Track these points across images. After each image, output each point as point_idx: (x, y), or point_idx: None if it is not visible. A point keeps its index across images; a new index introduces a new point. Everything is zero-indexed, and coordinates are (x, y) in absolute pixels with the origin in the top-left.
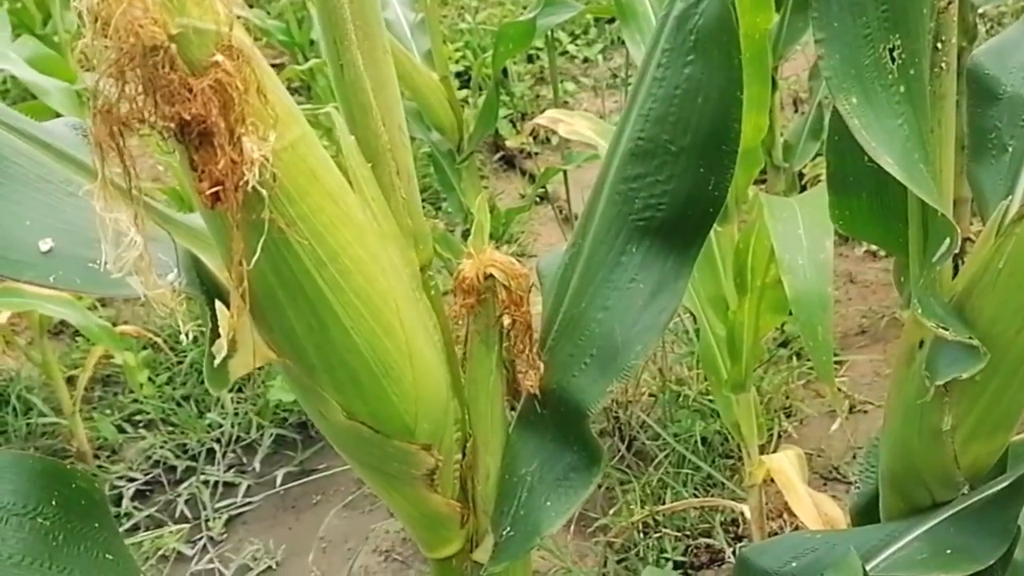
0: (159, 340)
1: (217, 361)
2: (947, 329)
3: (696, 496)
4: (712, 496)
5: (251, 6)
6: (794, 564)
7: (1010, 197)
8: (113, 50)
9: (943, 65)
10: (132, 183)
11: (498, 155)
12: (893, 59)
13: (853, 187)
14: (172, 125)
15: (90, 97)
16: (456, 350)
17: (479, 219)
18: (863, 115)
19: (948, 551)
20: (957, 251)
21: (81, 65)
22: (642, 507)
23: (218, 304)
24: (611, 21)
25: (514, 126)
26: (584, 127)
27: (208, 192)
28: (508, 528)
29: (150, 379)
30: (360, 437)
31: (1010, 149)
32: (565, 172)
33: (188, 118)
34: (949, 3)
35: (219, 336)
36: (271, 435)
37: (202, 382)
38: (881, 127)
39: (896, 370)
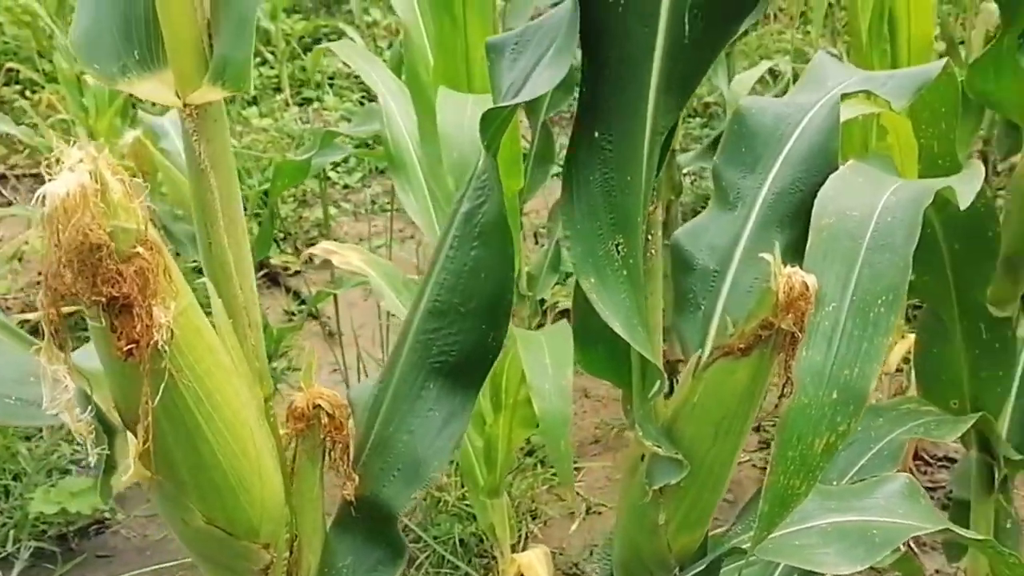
0: None
1: (125, 479)
2: (660, 448)
3: None
4: None
5: None
6: None
7: (701, 349)
8: (64, 247)
9: (652, 252)
10: (62, 342)
11: (262, 272)
12: (618, 251)
13: (593, 340)
14: (103, 300)
15: (43, 282)
16: (287, 465)
17: (308, 362)
18: (598, 292)
19: None
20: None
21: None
22: None
23: (129, 436)
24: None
25: (278, 245)
26: (356, 259)
27: (125, 348)
28: None
29: None
30: (214, 538)
31: (702, 308)
32: (336, 295)
33: (118, 295)
34: (654, 209)
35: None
36: (29, 548)
37: None
38: (611, 300)
39: (624, 477)
